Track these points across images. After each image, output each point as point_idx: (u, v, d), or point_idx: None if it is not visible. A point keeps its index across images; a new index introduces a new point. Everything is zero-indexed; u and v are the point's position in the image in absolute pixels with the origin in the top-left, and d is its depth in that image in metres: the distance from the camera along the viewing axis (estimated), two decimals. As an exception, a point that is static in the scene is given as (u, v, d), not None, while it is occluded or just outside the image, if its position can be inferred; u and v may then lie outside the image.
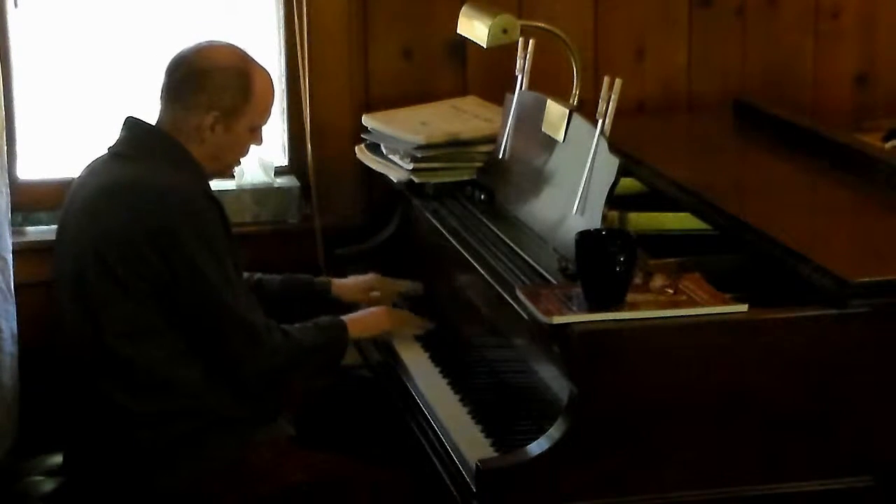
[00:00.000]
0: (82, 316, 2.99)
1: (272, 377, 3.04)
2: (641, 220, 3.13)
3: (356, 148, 3.76)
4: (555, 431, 2.53)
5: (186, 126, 3.05)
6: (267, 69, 3.15)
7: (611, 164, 2.85)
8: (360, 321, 3.23)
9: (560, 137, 3.08)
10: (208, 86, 3.04)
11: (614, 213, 3.07)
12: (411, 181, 3.53)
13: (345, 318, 3.20)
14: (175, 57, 3.10)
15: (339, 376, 3.34)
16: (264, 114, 3.14)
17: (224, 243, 2.98)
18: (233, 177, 3.65)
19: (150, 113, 3.17)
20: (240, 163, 3.21)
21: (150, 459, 2.96)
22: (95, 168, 3.11)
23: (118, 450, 2.97)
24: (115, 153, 3.08)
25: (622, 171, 2.85)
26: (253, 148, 3.17)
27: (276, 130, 3.87)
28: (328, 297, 3.42)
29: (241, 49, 3.13)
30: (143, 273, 2.92)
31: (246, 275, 3.23)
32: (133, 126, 3.10)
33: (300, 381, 3.19)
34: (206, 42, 3.13)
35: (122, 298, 2.93)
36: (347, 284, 3.46)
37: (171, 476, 2.95)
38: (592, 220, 2.83)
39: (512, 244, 3.06)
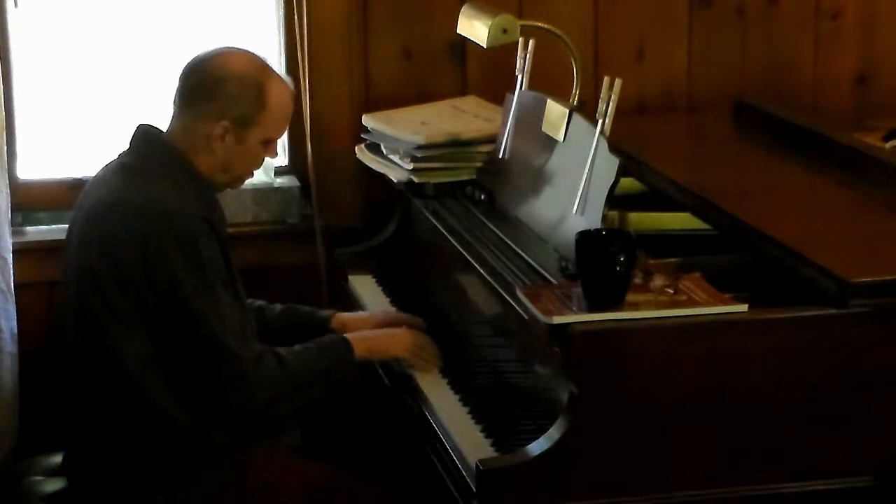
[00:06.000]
0: (79, 326, 2.97)
1: (261, 408, 2.94)
2: (641, 220, 3.13)
3: (356, 148, 3.76)
4: (555, 431, 2.53)
5: (195, 134, 2.99)
6: (288, 81, 3.08)
7: (611, 164, 2.85)
8: (371, 340, 3.10)
9: (560, 137, 3.08)
10: (220, 94, 2.96)
11: (614, 213, 3.07)
12: (411, 181, 3.53)
13: (353, 335, 3.09)
14: (190, 62, 3.03)
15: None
16: (279, 127, 3.06)
17: (218, 271, 2.92)
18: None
19: (151, 114, 3.17)
20: (252, 175, 3.11)
21: (145, 478, 2.94)
22: (103, 176, 3.05)
23: (116, 461, 2.97)
24: (122, 163, 3.03)
25: (622, 171, 2.85)
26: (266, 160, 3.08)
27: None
28: (328, 331, 3.23)
29: (260, 58, 3.04)
30: (131, 295, 2.89)
31: (247, 301, 3.14)
32: (142, 135, 3.04)
33: (302, 404, 3.03)
34: (225, 48, 3.05)
35: (110, 317, 2.91)
36: (351, 319, 3.31)
37: (166, 496, 2.94)
38: (592, 220, 2.83)
39: (512, 244, 3.06)
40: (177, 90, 3.03)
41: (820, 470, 2.61)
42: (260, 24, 3.89)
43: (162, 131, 3.04)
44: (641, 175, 3.30)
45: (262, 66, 3.03)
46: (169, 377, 2.91)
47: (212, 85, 2.98)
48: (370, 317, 3.33)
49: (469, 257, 3.10)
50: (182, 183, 2.98)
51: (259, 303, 3.30)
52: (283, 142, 3.89)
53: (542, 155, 3.15)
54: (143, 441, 2.93)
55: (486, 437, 2.75)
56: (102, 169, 3.09)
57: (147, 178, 2.98)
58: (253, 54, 3.06)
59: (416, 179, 3.52)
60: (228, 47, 3.06)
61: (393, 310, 3.41)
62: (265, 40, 3.85)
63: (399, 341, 3.11)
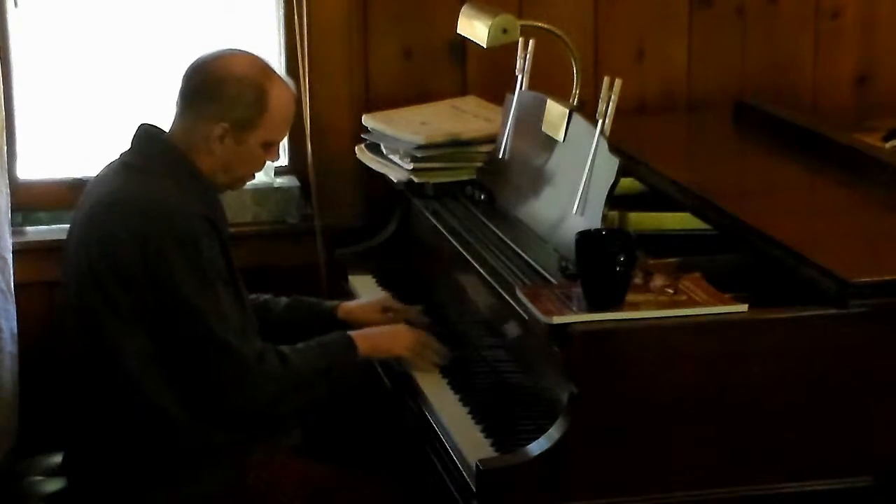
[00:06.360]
0: (79, 324, 2.98)
1: (264, 406, 2.94)
2: (641, 220, 3.13)
3: (356, 148, 3.76)
4: (555, 431, 2.53)
5: (196, 135, 2.99)
6: (290, 84, 3.07)
7: (611, 164, 2.85)
8: (373, 338, 3.09)
9: (560, 137, 3.08)
10: (221, 96, 2.96)
11: (614, 213, 3.07)
12: (411, 181, 3.53)
13: (356, 333, 3.08)
14: (193, 62, 3.03)
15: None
16: (280, 130, 3.05)
17: (219, 270, 2.91)
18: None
19: (151, 114, 3.17)
20: (253, 176, 3.11)
21: (145, 479, 2.94)
22: (105, 176, 3.06)
23: (116, 461, 2.97)
24: (124, 162, 3.03)
25: (622, 171, 2.85)
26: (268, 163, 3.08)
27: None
28: (335, 320, 3.26)
29: (262, 60, 3.04)
30: (132, 294, 2.89)
31: (253, 296, 3.16)
32: (144, 135, 3.04)
33: (306, 402, 3.02)
34: (228, 50, 3.05)
35: (110, 315, 2.90)
36: (357, 307, 3.32)
37: (166, 496, 2.94)
38: (592, 220, 2.83)
39: (512, 244, 3.06)
40: (179, 91, 3.03)
41: (820, 470, 2.61)
42: (260, 24, 3.88)
43: (163, 131, 3.04)
44: (641, 175, 3.29)
45: (264, 69, 3.03)
46: (169, 377, 2.91)
47: (213, 86, 2.98)
48: (376, 302, 3.34)
49: (469, 257, 3.10)
50: (183, 182, 2.98)
51: (265, 297, 3.31)
52: (283, 142, 3.89)
53: (542, 155, 3.15)
54: (143, 441, 2.93)
55: (486, 437, 2.75)
56: (104, 168, 3.10)
57: (148, 178, 2.98)
58: (255, 56, 3.06)
59: (416, 179, 3.52)
60: (232, 49, 3.07)
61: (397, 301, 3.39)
62: (265, 40, 3.85)
63: (401, 340, 3.10)
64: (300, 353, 2.99)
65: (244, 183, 3.13)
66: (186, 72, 3.03)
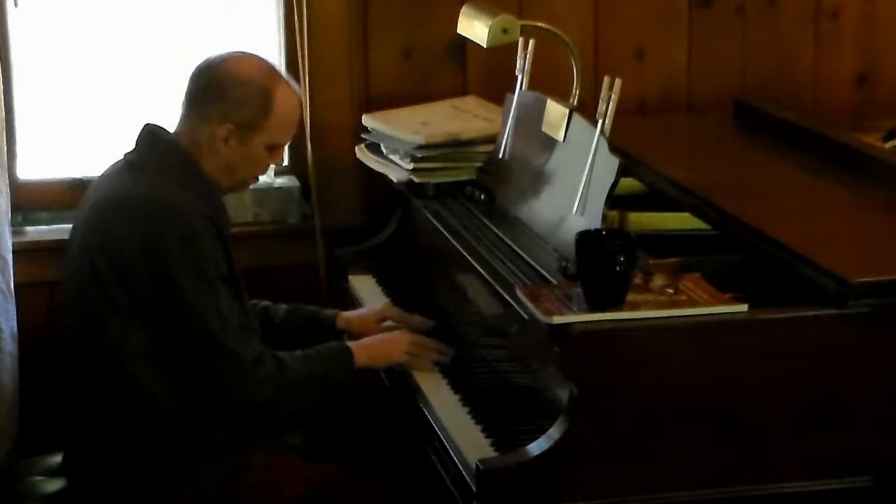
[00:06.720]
0: (80, 323, 2.98)
1: (259, 409, 2.94)
2: (641, 220, 3.14)
3: (356, 148, 3.76)
4: (555, 431, 2.53)
5: (200, 135, 2.99)
6: (297, 88, 3.08)
7: (611, 164, 2.85)
8: (371, 348, 3.09)
9: (560, 137, 3.08)
10: (226, 97, 2.97)
11: (614, 213, 3.07)
12: (411, 181, 3.53)
13: (354, 343, 3.09)
14: (200, 64, 3.04)
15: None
16: (284, 133, 3.06)
17: (218, 269, 2.92)
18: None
19: (151, 113, 3.17)
20: (257, 179, 3.12)
21: (145, 479, 2.94)
22: (108, 175, 3.06)
23: (116, 461, 2.97)
24: (128, 161, 3.04)
25: (622, 171, 2.85)
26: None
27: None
28: (333, 330, 3.27)
29: (269, 64, 3.05)
30: (132, 291, 2.89)
31: (252, 302, 3.15)
32: (148, 134, 3.04)
33: (301, 409, 3.04)
34: (235, 52, 3.06)
35: (111, 313, 2.90)
36: (355, 317, 3.32)
37: (166, 496, 2.94)
38: (592, 220, 2.83)
39: (512, 244, 3.06)
40: (185, 91, 3.04)
41: (820, 470, 2.61)
42: (260, 24, 3.88)
43: (168, 131, 3.05)
44: (641, 175, 3.29)
45: (271, 72, 3.03)
46: (170, 376, 2.91)
47: (218, 88, 2.99)
48: (374, 313, 3.33)
49: (469, 257, 3.10)
50: (186, 182, 2.98)
51: (264, 303, 3.30)
52: (283, 142, 3.89)
53: (542, 155, 3.15)
54: (143, 440, 2.93)
55: (486, 437, 2.75)
56: (108, 168, 3.10)
57: (151, 177, 2.98)
58: (263, 60, 3.06)
59: (416, 179, 3.52)
60: (239, 51, 3.07)
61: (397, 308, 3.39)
62: (265, 40, 3.85)
63: (398, 345, 3.10)
64: (298, 359, 2.99)
65: (248, 185, 3.14)
66: (193, 73, 3.04)
